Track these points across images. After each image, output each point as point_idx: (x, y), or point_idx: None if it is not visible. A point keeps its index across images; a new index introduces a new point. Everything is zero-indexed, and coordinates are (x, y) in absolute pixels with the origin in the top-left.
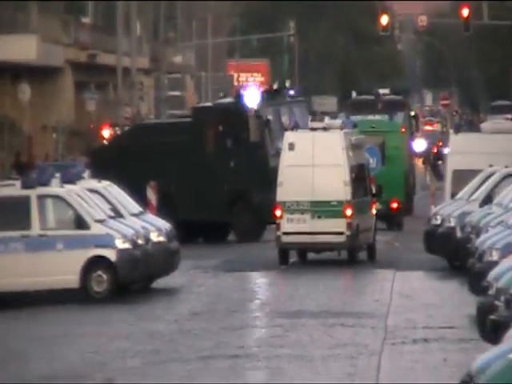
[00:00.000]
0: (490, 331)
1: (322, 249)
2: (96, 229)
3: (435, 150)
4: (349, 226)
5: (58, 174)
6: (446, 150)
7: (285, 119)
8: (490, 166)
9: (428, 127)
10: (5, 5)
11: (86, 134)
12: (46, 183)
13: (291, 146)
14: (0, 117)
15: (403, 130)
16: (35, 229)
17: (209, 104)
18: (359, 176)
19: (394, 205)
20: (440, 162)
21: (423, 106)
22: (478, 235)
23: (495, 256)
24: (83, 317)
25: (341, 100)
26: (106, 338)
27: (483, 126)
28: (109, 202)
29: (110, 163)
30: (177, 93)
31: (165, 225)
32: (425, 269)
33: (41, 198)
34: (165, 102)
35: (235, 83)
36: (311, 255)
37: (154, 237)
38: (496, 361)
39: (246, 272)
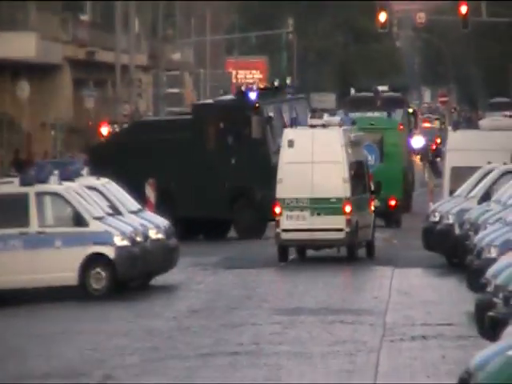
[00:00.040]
0: (489, 328)
1: (322, 246)
2: (94, 226)
3: (434, 147)
4: (348, 222)
5: (56, 172)
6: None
7: (286, 116)
8: (489, 162)
9: (426, 124)
10: (4, 3)
11: (84, 132)
12: (44, 180)
13: (290, 143)
14: None
15: (401, 127)
16: (34, 226)
17: (210, 101)
18: (358, 173)
19: (393, 202)
20: (438, 159)
21: (421, 103)
22: (476, 232)
23: (494, 253)
24: (82, 314)
25: (339, 97)
26: (104, 335)
27: (481, 123)
28: (107, 200)
29: (110, 160)
30: (175, 90)
31: (163, 222)
32: (423, 266)
33: (39, 195)
34: (163, 99)
35: (234, 80)
36: (310, 252)
37: (153, 234)
38: (494, 358)
39: (245, 269)
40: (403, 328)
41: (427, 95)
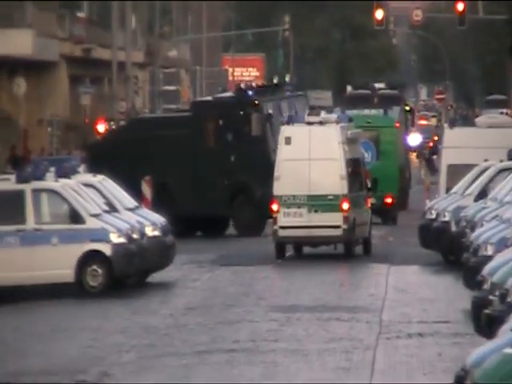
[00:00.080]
0: (485, 326)
1: (319, 243)
2: (91, 223)
3: (431, 145)
4: (345, 219)
5: (52, 169)
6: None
7: (285, 113)
8: (485, 160)
9: (423, 121)
10: (1, 1)
11: (81, 129)
12: (40, 177)
13: (288, 140)
14: None
15: (398, 124)
16: (30, 223)
17: (209, 98)
18: (355, 170)
19: (389, 200)
20: (435, 157)
21: (418, 100)
22: (472, 230)
23: (490, 250)
24: (78, 311)
25: (336, 94)
26: (101, 332)
27: (478, 120)
28: (104, 197)
29: (108, 158)
30: (172, 87)
31: (160, 219)
32: (420, 263)
33: (36, 192)
34: (160, 96)
35: (230, 78)
36: (307, 249)
37: (149, 231)
38: (491, 355)
39: (242, 266)
40: (399, 325)
41: (424, 92)
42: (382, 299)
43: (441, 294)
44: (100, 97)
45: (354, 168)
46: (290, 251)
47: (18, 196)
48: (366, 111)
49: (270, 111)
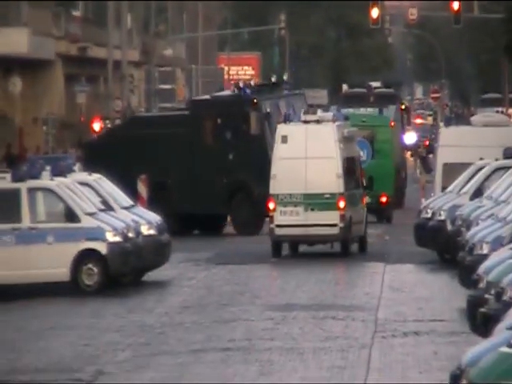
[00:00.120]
0: (481, 324)
1: (316, 241)
2: (87, 222)
3: (427, 143)
4: (342, 218)
5: (48, 167)
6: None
7: (283, 112)
8: (481, 159)
9: (418, 120)
10: None
11: (76, 127)
12: (36, 176)
13: (284, 139)
14: None
15: (393, 123)
16: (26, 221)
17: (207, 97)
18: (351, 168)
19: (384, 199)
20: (431, 155)
21: (414, 98)
22: (468, 228)
23: (485, 249)
24: (74, 310)
25: (331, 93)
26: (96, 330)
27: (473, 119)
28: (99, 195)
29: (105, 156)
30: (167, 86)
31: (155, 218)
32: (415, 262)
33: (31, 190)
34: (155, 94)
35: (226, 76)
36: (303, 248)
37: (145, 230)
38: (486, 354)
39: (237, 265)
40: (395, 324)
41: (419, 91)
42: (378, 298)
43: (436, 292)
44: (96, 95)
45: (351, 166)
46: (285, 250)
47: (14, 195)
48: (362, 110)
49: (269, 110)
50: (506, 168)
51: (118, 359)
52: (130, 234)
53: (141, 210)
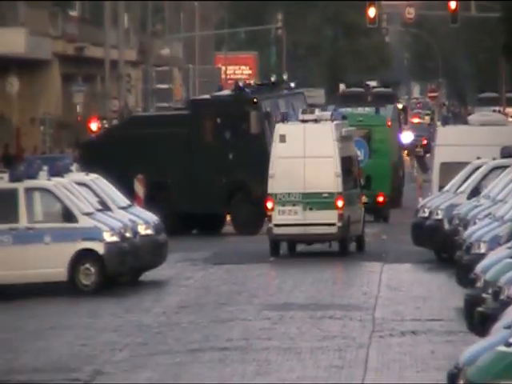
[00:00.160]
0: (478, 323)
1: (314, 240)
2: (84, 222)
3: (425, 142)
4: (340, 217)
5: (45, 167)
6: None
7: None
8: (478, 158)
9: (415, 119)
10: None
11: (73, 127)
12: (33, 176)
13: (282, 138)
14: None
15: (389, 123)
16: (23, 222)
17: (207, 96)
18: (349, 168)
19: (380, 198)
20: (428, 155)
21: (411, 98)
22: (465, 228)
23: (483, 248)
24: (71, 309)
25: (328, 92)
26: (94, 330)
27: (471, 118)
28: (97, 195)
29: (104, 156)
30: (164, 85)
31: (152, 218)
32: (412, 261)
33: (28, 190)
34: (152, 94)
35: (223, 76)
36: (300, 247)
37: (142, 230)
38: (484, 353)
39: (235, 264)
40: (392, 323)
41: (416, 90)
42: (375, 297)
43: (434, 291)
44: (93, 95)
45: (348, 166)
46: (282, 249)
47: (11, 195)
48: (360, 109)
49: (269, 109)
50: (503, 167)
51: (115, 359)
52: (128, 234)
53: (138, 209)
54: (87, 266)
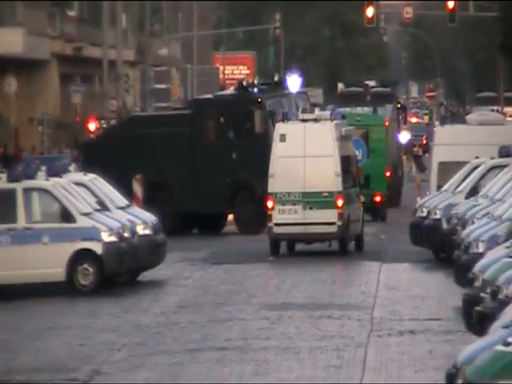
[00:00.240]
0: (476, 323)
1: (314, 239)
2: (82, 222)
3: (424, 142)
4: (340, 216)
5: (43, 167)
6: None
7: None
8: (476, 157)
9: (413, 119)
10: None
11: (71, 127)
12: (32, 176)
13: (282, 138)
14: None
15: (387, 123)
16: (21, 222)
17: (209, 96)
18: (348, 167)
19: (378, 198)
20: (427, 154)
21: (409, 97)
22: (463, 227)
23: (481, 248)
24: (69, 310)
25: (326, 92)
26: (92, 330)
27: (469, 117)
28: (95, 195)
29: (106, 156)
30: (163, 85)
31: (151, 218)
32: (411, 261)
33: (27, 191)
34: (150, 94)
35: (221, 76)
36: (299, 246)
37: (140, 230)
38: (482, 352)
39: (233, 264)
40: (391, 323)
41: (414, 90)
42: (374, 297)
43: (432, 291)
44: (91, 95)
45: (348, 165)
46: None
47: (9, 195)
48: (359, 109)
49: (272, 108)
50: (501, 166)
51: (113, 359)
52: (126, 234)
53: (136, 209)
54: (85, 266)
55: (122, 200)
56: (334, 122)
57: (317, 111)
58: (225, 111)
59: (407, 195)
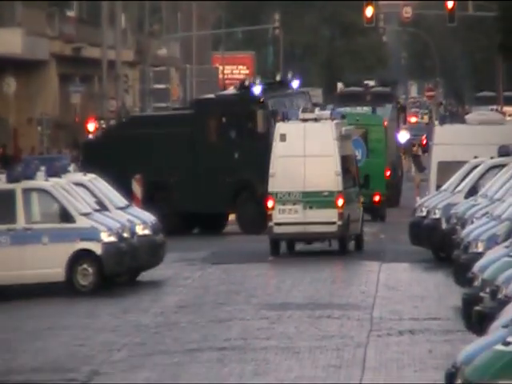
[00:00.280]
0: (476, 322)
1: (314, 239)
2: (81, 222)
3: (424, 142)
4: (340, 215)
5: (43, 168)
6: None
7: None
8: (475, 157)
9: (413, 119)
10: None
11: (71, 127)
12: (31, 176)
13: (283, 137)
14: None
15: (386, 123)
16: (20, 222)
17: (211, 96)
18: (348, 166)
19: (377, 198)
20: (426, 154)
21: (408, 97)
22: (463, 227)
23: (480, 247)
24: (69, 310)
25: (325, 92)
26: (92, 330)
27: (468, 117)
28: (94, 196)
29: (106, 156)
30: (162, 85)
31: (150, 218)
32: (410, 260)
33: (26, 191)
34: (150, 94)
35: (220, 76)
36: (299, 246)
37: (140, 230)
38: (481, 352)
39: (233, 264)
40: (390, 322)
41: (414, 89)
42: (373, 296)
43: (431, 291)
44: (90, 95)
45: (348, 164)
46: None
47: (9, 195)
48: (359, 109)
49: (275, 108)
50: (500, 166)
51: (113, 359)
52: (125, 234)
53: (136, 209)
54: (85, 266)
55: (121, 200)
56: (334, 121)
57: (317, 111)
58: (227, 111)
59: (406, 195)
